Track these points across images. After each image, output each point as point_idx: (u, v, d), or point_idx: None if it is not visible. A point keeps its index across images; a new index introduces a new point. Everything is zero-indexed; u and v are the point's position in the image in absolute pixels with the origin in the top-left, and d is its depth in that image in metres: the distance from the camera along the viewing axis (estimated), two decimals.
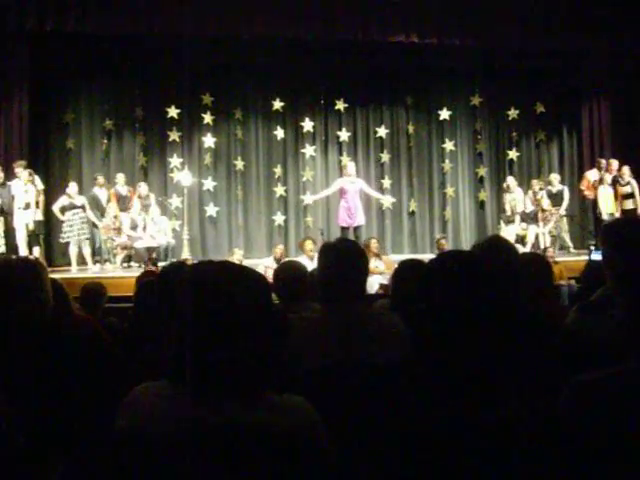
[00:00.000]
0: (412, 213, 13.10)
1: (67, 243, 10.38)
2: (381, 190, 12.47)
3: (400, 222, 13.06)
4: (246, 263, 8.09)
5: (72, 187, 10.51)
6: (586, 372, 1.45)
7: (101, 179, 11.00)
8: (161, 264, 9.11)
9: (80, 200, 10.47)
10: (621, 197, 11.15)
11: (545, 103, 13.14)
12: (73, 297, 3.55)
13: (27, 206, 9.85)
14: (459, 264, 1.67)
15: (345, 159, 12.48)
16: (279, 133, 12.59)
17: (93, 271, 10.21)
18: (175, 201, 11.90)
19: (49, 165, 11.70)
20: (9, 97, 10.58)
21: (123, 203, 10.88)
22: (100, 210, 10.77)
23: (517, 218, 11.55)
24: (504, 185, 12.17)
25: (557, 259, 9.55)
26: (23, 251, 9.69)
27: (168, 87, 11.89)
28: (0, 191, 9.90)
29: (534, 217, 11.43)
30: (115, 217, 10.64)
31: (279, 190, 12.66)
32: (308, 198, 12.42)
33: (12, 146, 10.56)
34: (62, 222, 10.40)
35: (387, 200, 12.38)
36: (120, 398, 1.52)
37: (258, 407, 1.42)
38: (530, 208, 11.51)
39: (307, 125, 12.67)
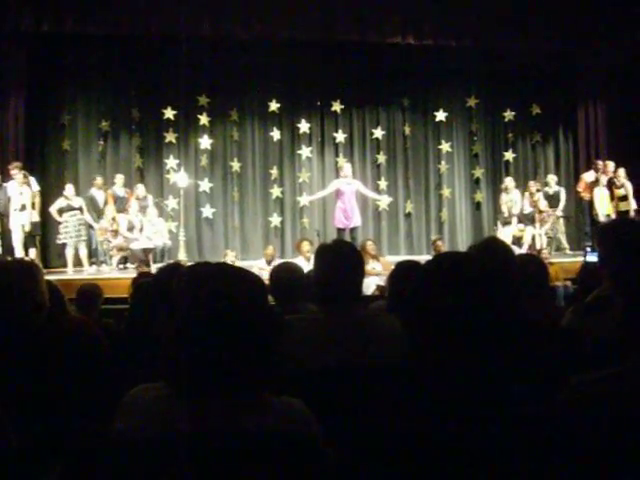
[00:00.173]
0: (408, 214, 13.10)
1: (63, 244, 10.37)
2: (377, 191, 12.47)
3: (396, 223, 13.06)
4: (239, 265, 8.07)
5: (69, 189, 10.51)
6: (584, 373, 1.45)
7: (99, 180, 11.00)
8: (157, 265, 9.11)
9: (77, 202, 10.47)
10: (617, 199, 11.17)
11: (541, 105, 13.14)
12: (69, 299, 3.54)
13: (23, 208, 9.84)
14: (455, 265, 1.67)
15: (341, 160, 12.48)
16: (275, 134, 12.59)
17: (89, 272, 10.20)
18: (171, 202, 11.88)
19: (45, 166, 11.68)
20: (5, 98, 10.56)
21: (120, 204, 10.87)
22: (97, 211, 10.77)
23: (514, 219, 11.57)
24: (502, 186, 12.19)
25: (552, 260, 9.56)
26: (19, 253, 9.68)
27: (164, 88, 11.88)
28: None
29: (531, 218, 11.45)
30: (113, 219, 10.63)
31: (275, 191, 12.65)
32: (304, 199, 12.42)
33: (8, 147, 10.55)
34: (59, 224, 10.39)
35: (384, 200, 12.38)
36: (117, 400, 1.52)
37: (255, 409, 1.42)
38: (528, 209, 11.53)
39: (303, 126, 12.67)
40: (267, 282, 3.05)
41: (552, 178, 12.07)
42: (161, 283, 2.85)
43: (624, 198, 11.13)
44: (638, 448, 1.32)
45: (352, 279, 2.49)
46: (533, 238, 11.41)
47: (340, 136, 12.87)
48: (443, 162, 13.14)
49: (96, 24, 10.30)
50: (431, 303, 1.60)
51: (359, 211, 10.82)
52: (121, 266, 10.59)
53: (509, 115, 13.20)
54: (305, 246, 9.73)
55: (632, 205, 11.06)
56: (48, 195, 10.87)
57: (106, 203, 10.84)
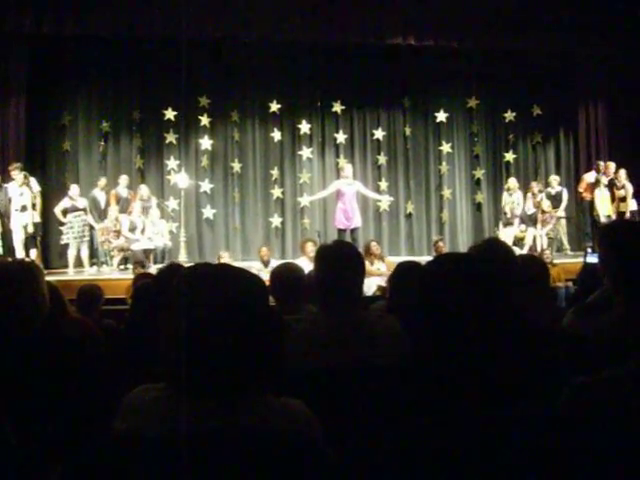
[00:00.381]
0: (409, 215, 13.10)
1: (65, 245, 10.39)
2: (378, 192, 12.47)
3: (397, 224, 13.06)
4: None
5: (74, 189, 10.55)
6: (585, 374, 1.45)
7: (103, 181, 11.04)
8: (157, 266, 9.12)
9: (82, 203, 10.51)
10: (618, 200, 11.18)
11: (542, 105, 13.14)
12: (69, 299, 3.55)
13: (23, 208, 9.86)
14: (456, 266, 1.67)
15: (342, 161, 12.48)
16: (276, 135, 12.60)
17: (90, 273, 10.22)
18: (172, 203, 11.89)
19: (46, 167, 11.70)
20: (6, 99, 10.58)
21: (123, 205, 10.90)
22: (98, 212, 10.78)
23: (516, 220, 11.57)
24: (505, 187, 12.20)
25: (554, 261, 9.56)
26: (20, 253, 9.69)
27: (165, 89, 11.87)
28: None
29: (534, 219, 11.45)
30: (116, 219, 10.65)
31: (276, 192, 12.66)
32: (305, 199, 12.43)
33: (9, 148, 10.56)
34: (61, 224, 10.42)
35: (385, 200, 12.38)
36: (117, 400, 1.52)
37: (256, 410, 1.42)
38: (531, 210, 11.53)
39: (304, 127, 12.67)
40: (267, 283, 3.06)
41: (555, 179, 12.06)
42: (161, 284, 2.85)
43: (624, 199, 11.14)
44: (638, 449, 1.32)
45: (352, 280, 2.49)
46: (534, 239, 11.41)
47: (341, 137, 12.88)
48: (444, 163, 13.14)
49: (97, 25, 10.32)
50: (431, 304, 1.60)
51: (360, 212, 10.83)
52: (122, 267, 10.60)
53: (510, 116, 13.20)
54: (309, 247, 9.74)
55: (630, 206, 11.06)
56: (49, 196, 10.88)
57: (108, 204, 10.86)
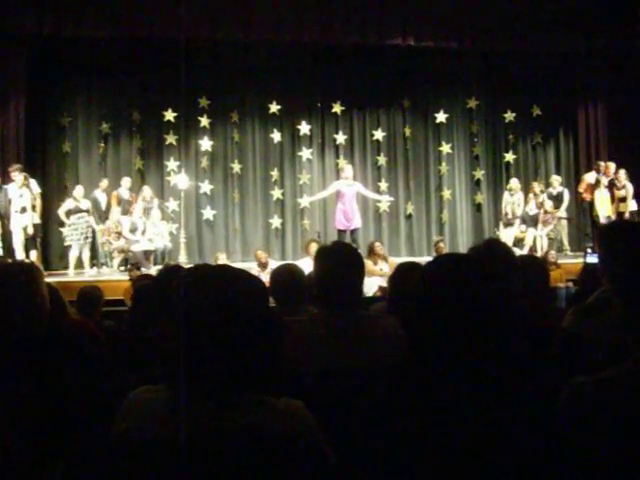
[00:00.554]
0: (409, 216, 13.10)
1: (67, 246, 10.40)
2: (378, 193, 12.46)
3: (397, 225, 13.06)
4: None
5: (78, 190, 10.56)
6: (585, 374, 1.45)
7: (105, 183, 11.05)
8: (157, 267, 9.12)
9: (85, 204, 10.51)
10: (618, 200, 11.17)
11: (542, 106, 13.15)
12: (70, 301, 3.55)
13: (23, 210, 9.85)
14: (456, 267, 1.67)
15: (342, 162, 12.48)
16: (276, 136, 12.60)
17: (90, 274, 10.22)
18: (172, 204, 11.89)
19: (46, 168, 11.69)
20: (6, 100, 10.57)
21: (124, 206, 10.91)
22: (99, 213, 10.79)
23: (517, 221, 11.57)
24: (507, 187, 12.20)
25: (559, 262, 9.59)
26: (20, 255, 9.68)
27: (165, 90, 11.86)
28: None
29: (536, 220, 11.44)
30: (117, 221, 10.66)
31: (276, 193, 12.66)
32: (305, 200, 12.43)
33: (9, 149, 10.56)
34: (61, 225, 10.44)
35: (385, 200, 12.37)
36: (117, 401, 1.52)
37: (256, 411, 1.42)
38: (534, 210, 11.52)
39: (304, 128, 12.67)
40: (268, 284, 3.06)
41: (556, 179, 12.05)
42: (161, 285, 2.86)
43: (624, 199, 11.14)
44: (637, 449, 1.32)
45: (352, 281, 2.49)
46: (534, 240, 11.41)
47: (340, 138, 12.88)
48: (444, 163, 13.14)
49: (97, 27, 10.31)
50: (431, 304, 1.61)
51: (360, 213, 10.83)
52: (122, 268, 10.60)
53: (509, 116, 13.21)
54: (313, 247, 9.73)
55: (629, 207, 11.06)
56: (49, 197, 10.88)
57: (109, 205, 10.87)
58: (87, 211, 10.45)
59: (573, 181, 12.83)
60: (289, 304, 3.19)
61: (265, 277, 7.47)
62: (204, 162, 12.40)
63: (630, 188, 11.08)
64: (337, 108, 12.78)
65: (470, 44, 11.47)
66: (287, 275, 3.38)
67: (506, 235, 11.29)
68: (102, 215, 10.81)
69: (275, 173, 12.65)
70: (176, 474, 1.37)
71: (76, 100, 11.99)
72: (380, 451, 1.50)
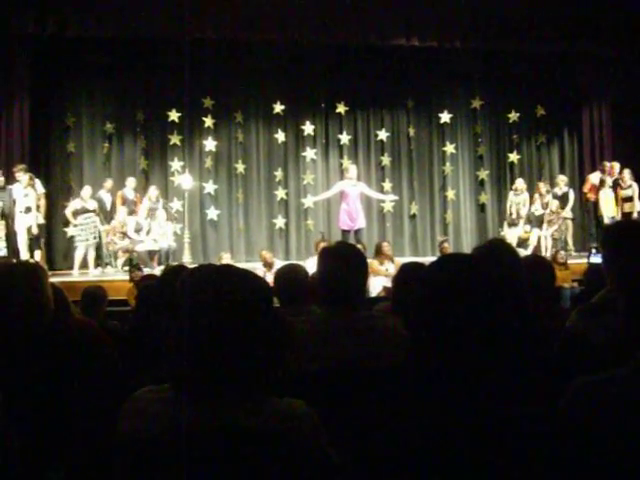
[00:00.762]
0: (413, 216, 13.09)
1: (72, 246, 10.42)
2: (382, 193, 12.45)
3: (401, 225, 13.05)
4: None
5: (86, 190, 10.59)
6: (588, 374, 1.45)
7: (109, 183, 11.07)
8: (161, 268, 9.13)
9: (92, 204, 10.53)
10: (622, 200, 11.15)
11: (546, 106, 13.12)
12: (74, 301, 3.55)
13: (28, 210, 9.87)
14: (460, 267, 1.67)
15: (346, 162, 12.49)
16: (280, 136, 12.60)
17: (94, 274, 10.23)
18: (176, 204, 11.91)
19: (50, 169, 11.73)
20: (10, 101, 10.61)
21: (129, 207, 10.93)
22: (104, 213, 10.81)
23: (521, 221, 11.55)
24: (513, 187, 12.19)
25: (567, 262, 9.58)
26: (24, 255, 9.71)
27: (169, 91, 11.87)
28: (1, 195, 9.93)
29: (541, 220, 11.42)
30: (124, 220, 10.68)
31: (280, 193, 12.66)
32: (309, 200, 12.43)
33: (13, 150, 10.58)
34: (66, 225, 10.46)
35: (389, 199, 12.35)
36: (121, 402, 1.52)
37: (259, 411, 1.42)
38: (540, 211, 11.50)
39: (308, 128, 12.68)
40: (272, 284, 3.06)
41: (562, 179, 12.01)
42: (165, 285, 2.86)
43: (629, 199, 11.11)
44: None
45: (355, 281, 2.48)
46: (539, 240, 11.38)
47: (344, 138, 12.88)
48: (448, 164, 13.13)
49: (100, 27, 10.33)
50: (434, 305, 1.60)
51: (364, 213, 10.82)
52: (126, 268, 10.61)
53: (514, 116, 13.19)
54: (322, 247, 9.71)
55: (637, 207, 11.03)
56: (53, 197, 10.90)
57: (114, 205, 10.89)
58: (94, 211, 10.48)
59: (578, 181, 12.80)
60: (292, 304, 3.20)
61: (270, 277, 7.45)
62: (208, 162, 12.41)
63: (636, 188, 11.05)
64: (341, 108, 12.78)
65: (474, 44, 11.46)
66: (291, 275, 3.38)
67: (510, 235, 11.27)
68: (107, 215, 10.83)
69: (279, 173, 12.65)
70: (178, 474, 1.37)
71: (80, 100, 12.01)
72: (382, 451, 1.50)
